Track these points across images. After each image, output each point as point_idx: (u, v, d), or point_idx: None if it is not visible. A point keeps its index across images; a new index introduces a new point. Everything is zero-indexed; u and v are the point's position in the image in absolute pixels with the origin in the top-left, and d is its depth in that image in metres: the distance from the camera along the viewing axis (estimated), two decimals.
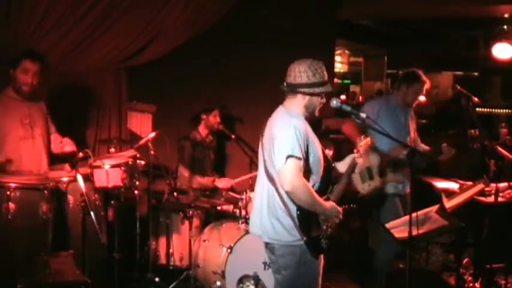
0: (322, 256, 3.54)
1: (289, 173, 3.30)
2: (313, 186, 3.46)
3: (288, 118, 3.43)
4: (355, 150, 3.71)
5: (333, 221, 3.51)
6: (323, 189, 3.52)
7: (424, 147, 5.05)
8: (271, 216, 3.47)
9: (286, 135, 3.35)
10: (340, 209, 3.53)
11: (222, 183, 5.59)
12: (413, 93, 4.86)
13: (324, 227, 3.48)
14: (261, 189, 3.55)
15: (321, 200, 3.43)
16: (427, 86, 4.87)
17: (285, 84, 3.49)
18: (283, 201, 3.41)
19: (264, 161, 3.51)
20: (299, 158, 3.32)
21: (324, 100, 3.50)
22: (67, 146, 4.55)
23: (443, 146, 4.79)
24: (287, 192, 3.34)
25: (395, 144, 4.32)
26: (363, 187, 4.64)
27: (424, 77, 4.83)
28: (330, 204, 3.48)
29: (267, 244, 3.57)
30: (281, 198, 3.41)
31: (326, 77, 3.46)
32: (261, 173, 3.57)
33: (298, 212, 3.39)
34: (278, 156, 3.35)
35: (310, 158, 3.44)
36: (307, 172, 3.43)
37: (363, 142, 3.71)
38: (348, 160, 3.71)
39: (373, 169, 4.63)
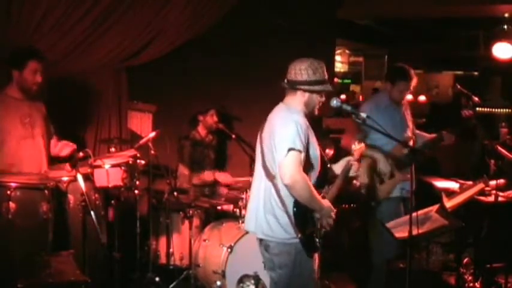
0: (316, 255, 3.58)
1: (289, 166, 3.34)
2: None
3: (289, 114, 3.48)
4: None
5: (327, 221, 3.55)
6: (319, 187, 3.56)
7: (423, 134, 5.03)
8: (267, 212, 3.49)
9: (287, 130, 3.40)
10: (334, 210, 3.57)
11: (222, 177, 5.60)
12: (397, 92, 4.77)
13: (318, 225, 3.53)
14: (258, 185, 3.57)
15: (318, 197, 3.47)
16: (413, 83, 4.75)
17: (285, 81, 3.54)
18: (280, 198, 3.43)
19: (263, 157, 3.53)
20: (300, 151, 3.36)
21: (323, 99, 3.58)
22: (64, 149, 4.49)
23: (444, 133, 4.78)
24: (286, 186, 3.37)
25: (395, 143, 4.31)
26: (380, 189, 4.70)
27: (410, 74, 4.71)
28: (326, 203, 3.53)
29: (261, 241, 3.59)
30: (278, 195, 3.43)
31: (326, 77, 3.54)
32: (258, 170, 3.60)
33: (294, 209, 3.42)
34: (279, 149, 3.39)
35: (311, 153, 3.49)
36: (307, 167, 3.48)
37: (357, 147, 3.77)
38: (342, 162, 3.77)
39: (383, 175, 4.67)
